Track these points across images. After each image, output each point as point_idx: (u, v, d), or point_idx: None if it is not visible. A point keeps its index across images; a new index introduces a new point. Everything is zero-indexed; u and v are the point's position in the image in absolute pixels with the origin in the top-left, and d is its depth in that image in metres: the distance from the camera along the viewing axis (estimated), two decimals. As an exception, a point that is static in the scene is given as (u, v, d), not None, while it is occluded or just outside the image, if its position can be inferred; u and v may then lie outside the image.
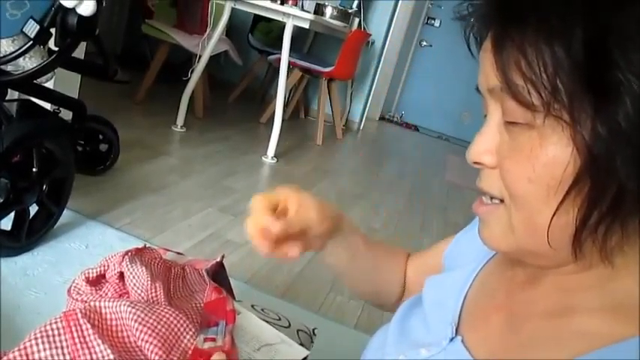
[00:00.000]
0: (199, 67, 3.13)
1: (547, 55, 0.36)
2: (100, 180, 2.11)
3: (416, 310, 0.61)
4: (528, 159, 0.39)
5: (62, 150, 1.53)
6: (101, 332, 0.59)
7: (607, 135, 0.35)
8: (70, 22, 1.38)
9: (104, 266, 0.76)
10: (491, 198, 0.45)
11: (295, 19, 2.92)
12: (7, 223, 1.43)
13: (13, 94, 1.67)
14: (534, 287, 0.47)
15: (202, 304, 0.71)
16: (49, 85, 1.72)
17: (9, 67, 1.40)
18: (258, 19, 4.40)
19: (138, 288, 0.71)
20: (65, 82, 2.05)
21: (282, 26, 3.04)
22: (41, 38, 1.36)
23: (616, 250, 0.40)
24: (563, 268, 0.43)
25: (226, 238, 1.94)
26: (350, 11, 3.90)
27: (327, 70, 3.75)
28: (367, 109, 4.99)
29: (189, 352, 0.57)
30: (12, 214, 1.43)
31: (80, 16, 1.37)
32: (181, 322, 0.60)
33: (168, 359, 0.57)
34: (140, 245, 0.82)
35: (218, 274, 0.83)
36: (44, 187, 1.48)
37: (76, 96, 2.15)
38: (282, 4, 2.99)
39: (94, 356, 0.56)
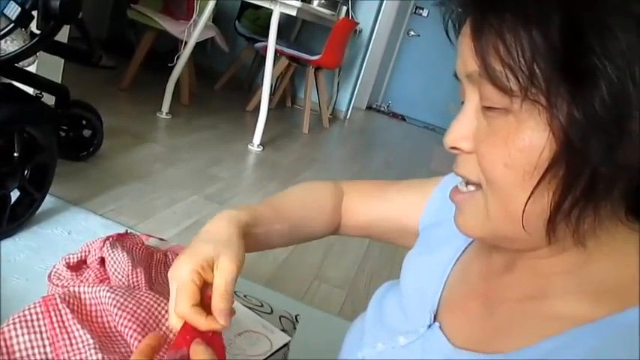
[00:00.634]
0: (185, 53, 3.10)
1: (525, 40, 0.37)
2: (83, 166, 2.09)
3: (391, 294, 0.61)
4: (505, 144, 0.39)
5: (45, 135, 1.51)
6: (80, 317, 0.59)
7: (582, 119, 0.35)
8: (53, 5, 1.36)
9: (85, 252, 0.75)
10: (467, 184, 0.46)
11: (283, 6, 2.90)
12: (-13, 209, 1.41)
13: (-7, 77, 1.65)
14: (510, 272, 0.48)
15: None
16: (32, 69, 1.70)
17: (-11, 50, 1.38)
18: (245, 5, 4.37)
19: (119, 273, 0.70)
20: (48, 66, 2.02)
21: (269, 13, 3.02)
22: (22, 21, 1.34)
23: (589, 234, 0.40)
24: (537, 252, 0.44)
25: (211, 226, 1.94)
26: (338, -1, 3.89)
27: (314, 58, 3.73)
28: (354, 98, 4.99)
29: (170, 335, 0.57)
30: (-7, 200, 1.41)
31: (62, -1, 1.35)
32: (162, 305, 0.60)
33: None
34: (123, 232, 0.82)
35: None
36: (26, 172, 1.47)
37: (59, 80, 2.12)
38: (269, -10, 2.97)
39: (73, 341, 0.56)
